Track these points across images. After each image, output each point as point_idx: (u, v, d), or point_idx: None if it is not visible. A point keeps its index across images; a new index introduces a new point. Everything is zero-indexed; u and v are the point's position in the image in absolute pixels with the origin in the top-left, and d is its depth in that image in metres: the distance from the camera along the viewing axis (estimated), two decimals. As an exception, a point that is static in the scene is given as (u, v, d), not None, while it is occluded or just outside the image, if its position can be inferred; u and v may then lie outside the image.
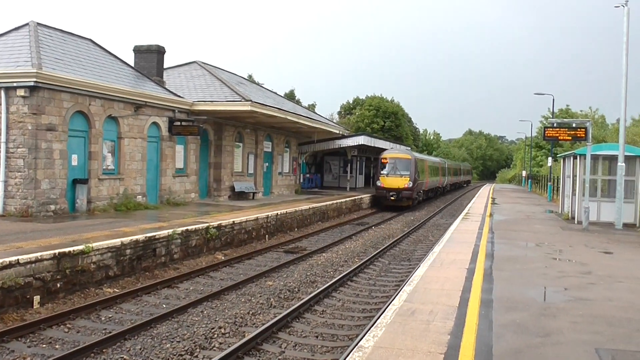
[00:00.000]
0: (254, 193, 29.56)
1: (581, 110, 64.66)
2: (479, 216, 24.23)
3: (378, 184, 36.21)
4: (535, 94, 48.97)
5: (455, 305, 8.42)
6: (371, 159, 51.51)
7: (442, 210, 38.28)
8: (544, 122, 61.25)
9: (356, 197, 34.97)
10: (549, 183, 41.51)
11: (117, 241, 13.29)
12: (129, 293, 12.03)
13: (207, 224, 17.23)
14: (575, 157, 22.71)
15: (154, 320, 10.18)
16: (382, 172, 36.02)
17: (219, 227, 17.72)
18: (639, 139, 32.41)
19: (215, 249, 17.51)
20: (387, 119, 68.29)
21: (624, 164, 19.65)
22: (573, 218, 22.58)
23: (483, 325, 7.43)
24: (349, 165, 44.90)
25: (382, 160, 36.49)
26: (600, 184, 21.84)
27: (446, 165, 59.20)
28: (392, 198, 35.29)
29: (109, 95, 19.90)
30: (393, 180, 35.37)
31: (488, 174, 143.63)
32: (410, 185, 35.38)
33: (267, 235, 21.02)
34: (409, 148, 49.80)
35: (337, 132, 39.09)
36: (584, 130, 19.88)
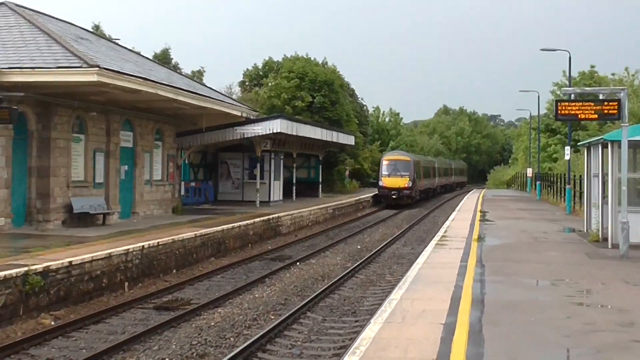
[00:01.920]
0: (105, 214, 28.92)
1: (613, 74, 65.67)
2: (461, 240, 24.51)
3: (380, 184, 58.44)
4: (541, 49, 48.70)
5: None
6: (293, 155, 50.98)
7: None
8: (557, 92, 62.68)
9: (272, 216, 34.96)
10: (567, 186, 42.57)
11: None
12: None
13: (26, 269, 16.77)
14: (605, 146, 23.21)
15: None
16: (384, 173, 57.80)
17: (45, 273, 17.28)
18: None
19: (40, 309, 17.07)
20: (317, 92, 68.36)
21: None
22: (605, 239, 23.06)
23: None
24: (259, 166, 44.64)
25: (384, 162, 59.30)
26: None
27: (436, 165, 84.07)
28: (394, 197, 56.54)
29: None
30: (394, 180, 56.96)
31: (475, 174, 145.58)
32: (410, 185, 57.30)
33: (127, 283, 20.83)
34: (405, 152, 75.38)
35: (239, 114, 38.78)
36: (616, 103, 20.31)
